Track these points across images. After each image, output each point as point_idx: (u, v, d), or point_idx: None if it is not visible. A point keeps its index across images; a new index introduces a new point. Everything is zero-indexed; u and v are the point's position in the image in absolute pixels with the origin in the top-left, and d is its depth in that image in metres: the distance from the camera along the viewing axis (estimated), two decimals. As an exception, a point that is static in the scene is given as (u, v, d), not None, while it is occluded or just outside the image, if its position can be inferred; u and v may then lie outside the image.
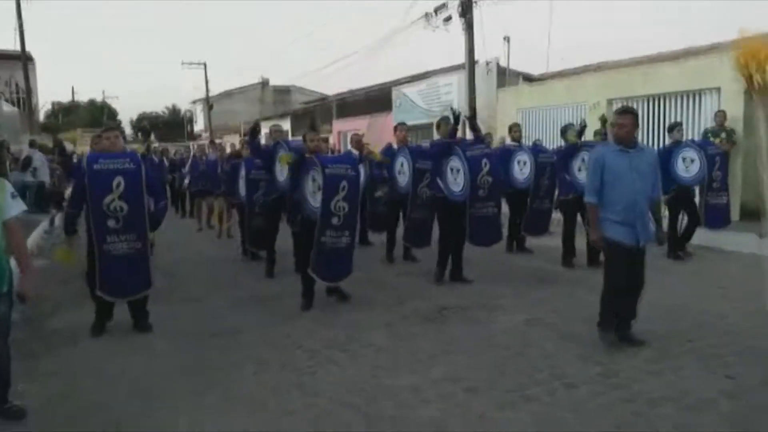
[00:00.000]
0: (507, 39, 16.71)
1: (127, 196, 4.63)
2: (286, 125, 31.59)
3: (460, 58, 15.11)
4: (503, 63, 17.09)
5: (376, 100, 22.86)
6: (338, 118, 25.78)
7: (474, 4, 14.10)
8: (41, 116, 44.15)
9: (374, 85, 23.49)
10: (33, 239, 10.40)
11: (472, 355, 4.34)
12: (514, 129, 8.53)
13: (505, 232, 7.67)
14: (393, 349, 4.53)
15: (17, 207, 3.38)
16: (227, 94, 49.71)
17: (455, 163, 6.53)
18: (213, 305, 6.00)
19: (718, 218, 7.96)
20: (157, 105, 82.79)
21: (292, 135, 30.68)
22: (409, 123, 14.97)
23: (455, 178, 6.55)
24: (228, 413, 3.47)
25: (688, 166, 7.61)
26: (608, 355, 4.24)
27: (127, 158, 4.72)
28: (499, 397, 3.60)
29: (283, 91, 49.85)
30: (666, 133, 8.66)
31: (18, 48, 24.69)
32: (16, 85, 26.36)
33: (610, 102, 11.47)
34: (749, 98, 9.16)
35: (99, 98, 63.56)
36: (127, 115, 76.50)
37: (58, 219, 13.72)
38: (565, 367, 4.05)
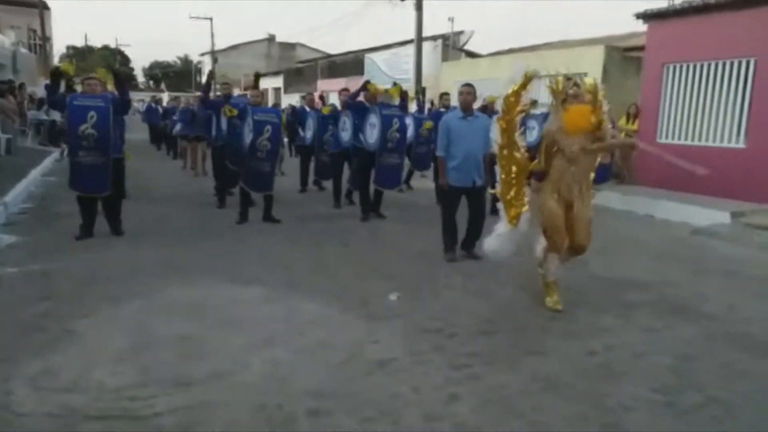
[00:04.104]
0: (451, 19, 19.07)
1: (97, 125, 6.36)
2: (279, 82, 34.08)
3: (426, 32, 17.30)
4: (467, 40, 19.51)
5: (357, 63, 25.25)
6: (323, 78, 28.18)
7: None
8: (56, 60, 46.62)
9: (354, 51, 25.85)
10: (44, 165, 13.14)
11: (309, 226, 7.41)
12: (444, 97, 10.32)
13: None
14: (276, 231, 7.38)
15: None
16: (234, 48, 51.21)
17: (373, 119, 8.25)
18: (179, 214, 8.63)
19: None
20: (170, 55, 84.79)
21: (285, 91, 33.21)
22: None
23: (372, 132, 8.21)
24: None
25: (531, 132, 9.23)
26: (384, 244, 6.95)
27: (99, 99, 6.51)
28: (298, 241, 6.42)
29: (289, 47, 51.26)
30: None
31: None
32: (34, 31, 28.86)
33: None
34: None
35: (112, 45, 65.72)
36: (139, 63, 78.47)
37: (67, 151, 16.45)
38: (351, 238, 7.00)
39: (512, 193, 4.69)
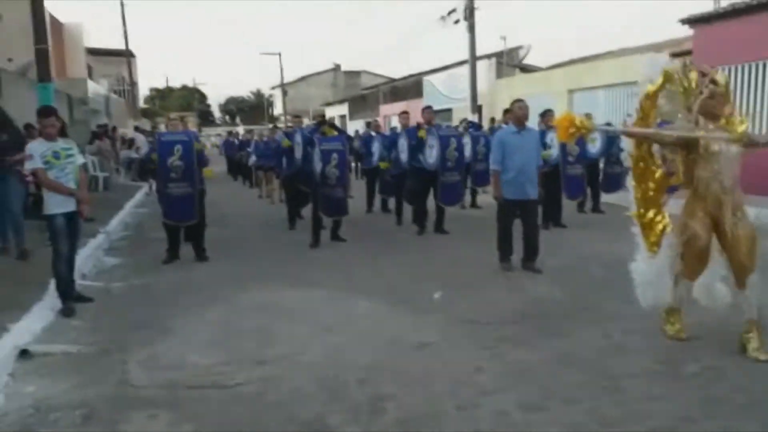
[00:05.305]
0: (504, 38, 19.61)
1: (183, 157, 7.20)
2: (344, 110, 35.53)
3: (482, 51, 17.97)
4: (525, 55, 20.02)
5: (417, 86, 26.15)
6: (385, 103, 29.24)
7: (475, 10, 17.07)
8: (141, 102, 50.42)
9: (414, 74, 26.74)
10: (136, 199, 14.64)
11: (370, 241, 7.96)
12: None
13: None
14: (339, 244, 8.19)
15: (82, 159, 5.55)
16: (302, 80, 53.41)
17: (431, 141, 8.82)
18: (254, 235, 9.71)
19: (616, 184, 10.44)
20: (243, 90, 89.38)
21: (350, 118, 34.58)
22: (434, 108, 18.29)
23: (431, 152, 8.77)
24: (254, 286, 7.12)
25: (594, 142, 10.06)
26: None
27: (183, 134, 7.57)
28: (358, 253, 7.12)
29: (354, 75, 52.88)
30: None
31: (123, 46, 29.95)
32: (123, 78, 31.66)
33: (570, 91, 14.27)
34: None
35: (190, 84, 70.15)
36: (215, 99, 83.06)
37: (157, 184, 18.12)
38: (408, 249, 7.58)
39: (650, 214, 4.22)
